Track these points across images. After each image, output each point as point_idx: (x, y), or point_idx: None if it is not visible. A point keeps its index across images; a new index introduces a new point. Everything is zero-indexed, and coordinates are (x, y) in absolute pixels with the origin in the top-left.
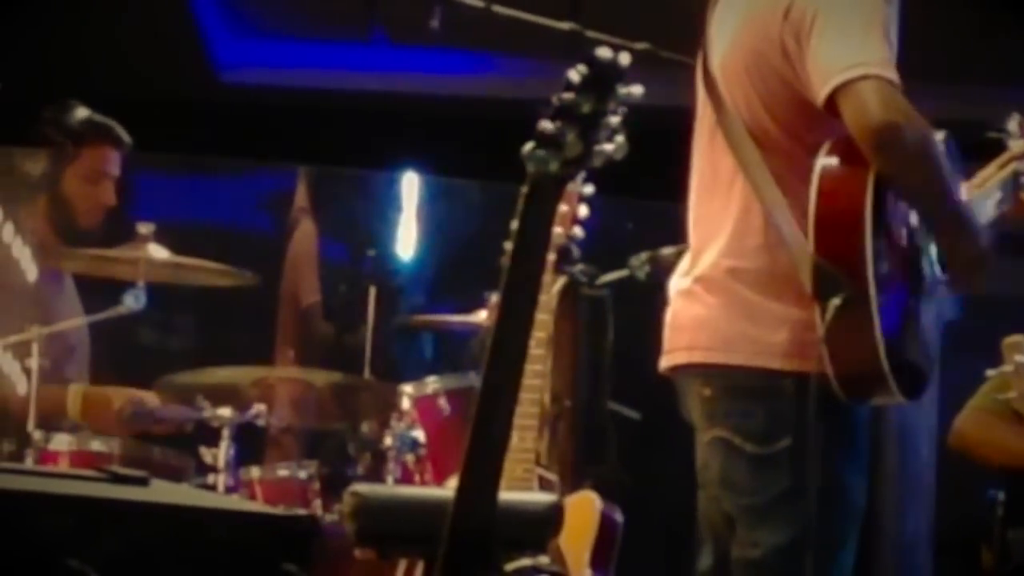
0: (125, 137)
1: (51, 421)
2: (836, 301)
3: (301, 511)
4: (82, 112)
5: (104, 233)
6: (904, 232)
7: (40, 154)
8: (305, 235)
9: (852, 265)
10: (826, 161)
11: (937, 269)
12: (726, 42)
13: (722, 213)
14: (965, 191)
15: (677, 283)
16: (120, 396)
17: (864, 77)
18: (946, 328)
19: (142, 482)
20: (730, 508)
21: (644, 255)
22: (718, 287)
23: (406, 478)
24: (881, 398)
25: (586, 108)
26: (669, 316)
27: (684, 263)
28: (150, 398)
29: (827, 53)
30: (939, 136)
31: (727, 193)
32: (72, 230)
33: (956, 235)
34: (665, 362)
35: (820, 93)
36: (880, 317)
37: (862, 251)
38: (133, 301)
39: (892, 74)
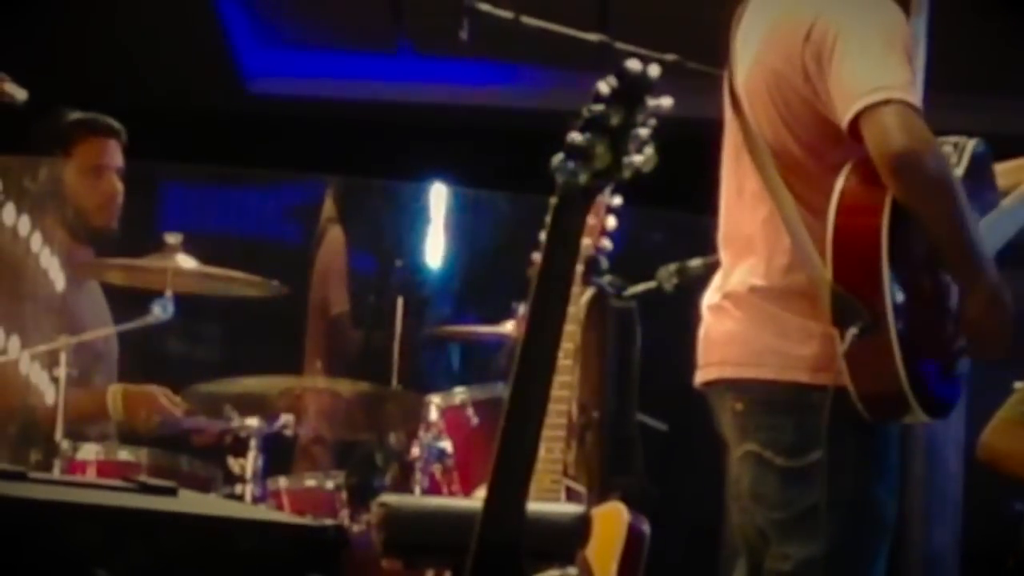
0: (115, 125)
1: (87, 425)
2: (854, 330)
3: (329, 521)
4: (70, 115)
5: (122, 230)
6: (929, 253)
7: (39, 166)
8: (333, 245)
9: (870, 292)
10: (845, 185)
11: None
12: (749, 61)
13: (751, 232)
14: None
15: (708, 298)
16: (160, 393)
17: (887, 101)
18: None
19: (170, 492)
20: (762, 522)
21: (672, 267)
22: (745, 303)
23: (433, 489)
24: (906, 418)
25: (615, 120)
26: (701, 332)
27: (716, 279)
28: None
29: (849, 77)
30: (972, 144)
31: (754, 212)
32: (89, 231)
33: (967, 274)
34: (699, 377)
35: (844, 118)
36: (901, 343)
37: (879, 278)
38: (161, 311)
39: (914, 98)
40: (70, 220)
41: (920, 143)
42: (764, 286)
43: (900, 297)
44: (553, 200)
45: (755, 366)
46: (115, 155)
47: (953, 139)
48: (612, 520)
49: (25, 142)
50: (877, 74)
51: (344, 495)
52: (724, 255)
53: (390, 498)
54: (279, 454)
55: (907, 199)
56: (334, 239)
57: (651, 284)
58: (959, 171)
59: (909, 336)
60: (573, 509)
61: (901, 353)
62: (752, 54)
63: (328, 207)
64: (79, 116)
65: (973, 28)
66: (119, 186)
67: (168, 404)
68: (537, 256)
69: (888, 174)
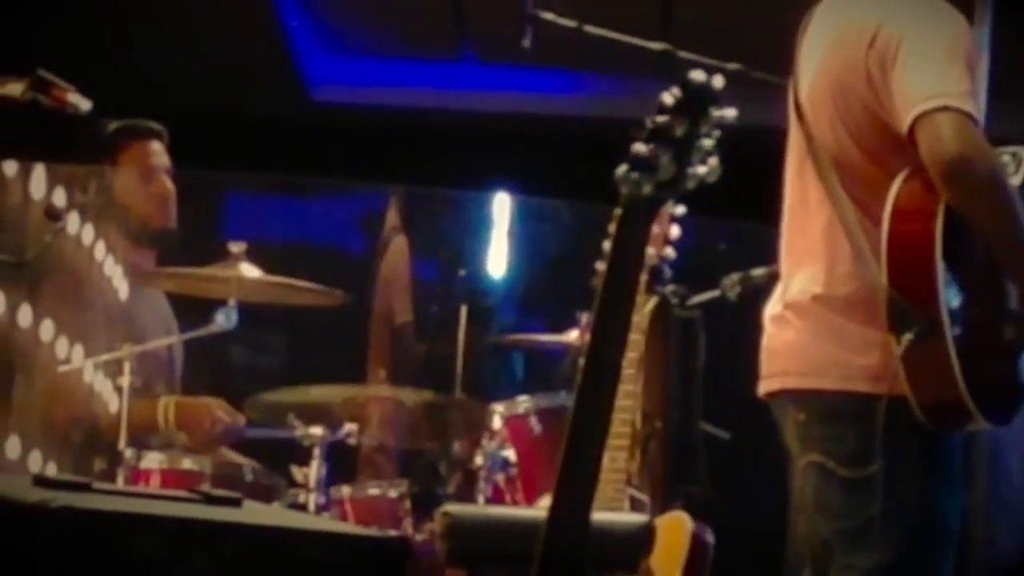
0: (156, 126)
1: (142, 436)
2: (909, 336)
3: (393, 532)
4: (111, 124)
5: (186, 239)
6: (985, 257)
7: (90, 176)
8: (398, 254)
9: (925, 298)
10: (900, 191)
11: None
12: (813, 70)
13: (812, 240)
14: None
15: (770, 309)
16: (215, 405)
17: (943, 108)
18: None
19: (234, 503)
20: (826, 532)
21: (736, 276)
22: (808, 313)
23: (497, 498)
24: (969, 426)
25: (680, 131)
26: (764, 342)
27: (777, 289)
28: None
29: (909, 84)
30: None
31: (816, 220)
32: (149, 235)
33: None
34: (762, 388)
35: (903, 123)
36: (958, 349)
37: (934, 284)
38: (225, 320)
39: (971, 107)
40: (129, 226)
41: (972, 150)
42: (826, 294)
43: (956, 302)
44: (617, 210)
45: (816, 376)
46: (161, 156)
47: (1012, 149)
48: (676, 529)
49: (72, 153)
50: (937, 82)
51: (407, 504)
52: (784, 263)
53: (453, 507)
54: (342, 463)
55: (959, 204)
56: (398, 248)
57: (715, 293)
58: (1016, 180)
59: (967, 341)
60: (637, 518)
61: (959, 358)
62: (816, 62)
63: (392, 216)
64: (120, 123)
65: None
66: (171, 186)
67: (224, 417)
68: (601, 266)
69: (940, 180)
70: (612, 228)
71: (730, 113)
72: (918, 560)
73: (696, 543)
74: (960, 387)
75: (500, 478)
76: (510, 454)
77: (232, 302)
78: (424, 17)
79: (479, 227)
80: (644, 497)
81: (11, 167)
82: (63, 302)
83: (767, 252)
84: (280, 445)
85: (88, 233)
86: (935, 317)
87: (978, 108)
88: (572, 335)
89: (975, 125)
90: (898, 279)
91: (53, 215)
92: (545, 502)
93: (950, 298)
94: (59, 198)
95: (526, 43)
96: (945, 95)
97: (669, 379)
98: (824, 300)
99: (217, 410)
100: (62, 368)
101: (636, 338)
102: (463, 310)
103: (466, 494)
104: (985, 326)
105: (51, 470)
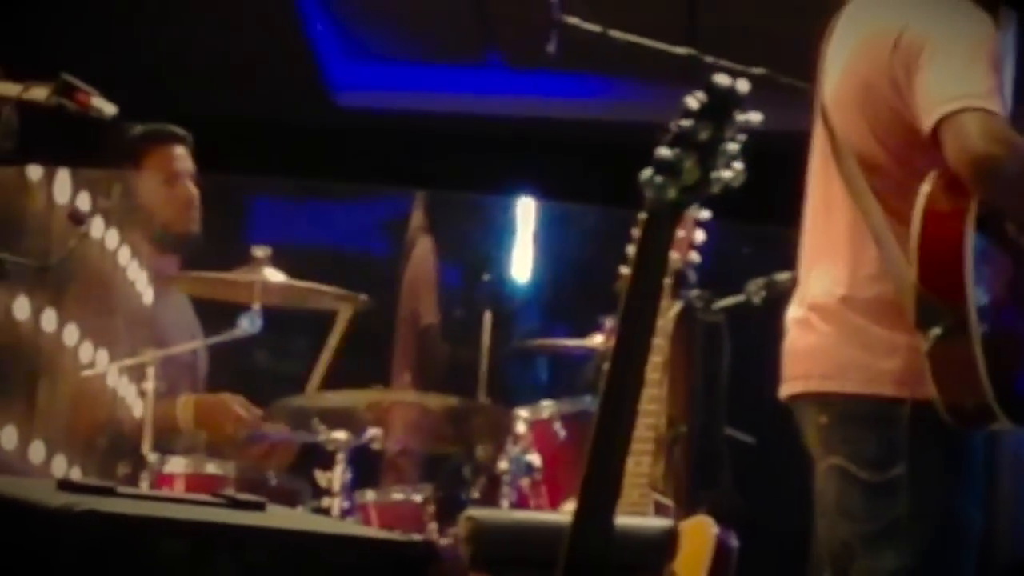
0: (180, 131)
1: (165, 438)
2: (936, 331)
3: (417, 536)
4: (135, 129)
5: (210, 243)
6: (1013, 257)
7: (113, 181)
8: (423, 255)
9: (953, 296)
10: (930, 190)
11: None
12: (838, 72)
13: (835, 241)
14: None
15: (792, 312)
16: (233, 400)
17: (965, 110)
18: None
19: (258, 507)
20: (847, 535)
21: (760, 280)
22: (832, 315)
23: (521, 502)
24: (992, 425)
25: (704, 135)
26: (786, 345)
27: (797, 292)
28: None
29: (932, 85)
30: None
31: (840, 221)
32: (172, 240)
33: None
34: (783, 391)
35: (925, 125)
36: (984, 347)
37: (963, 281)
38: (249, 324)
39: (995, 106)
40: (153, 231)
41: (999, 146)
42: (852, 296)
43: (984, 300)
44: (642, 215)
45: (839, 379)
46: (185, 161)
47: None
48: (700, 534)
49: (96, 158)
50: (959, 84)
51: (432, 508)
52: (802, 263)
53: (478, 512)
54: (367, 467)
55: (995, 201)
56: (424, 248)
57: (740, 298)
58: None
59: (994, 340)
60: (661, 523)
61: (985, 357)
62: (842, 64)
63: (417, 217)
64: (144, 128)
65: None
66: (194, 191)
67: (243, 412)
68: (625, 270)
69: (969, 179)
70: (636, 232)
71: (755, 117)
72: (940, 562)
73: (720, 547)
74: (985, 385)
75: (524, 483)
76: (534, 459)
77: (256, 306)
78: (449, 22)
79: (503, 232)
80: (668, 501)
81: (35, 171)
82: (87, 306)
83: (792, 257)
84: (304, 450)
85: (112, 237)
86: (963, 315)
87: (1004, 107)
88: (596, 340)
89: (1000, 121)
90: (928, 277)
91: (77, 219)
92: (569, 507)
93: (979, 296)
94: (83, 202)
95: (551, 48)
96: (966, 96)
97: (693, 384)
98: (850, 302)
99: (235, 405)
100: (86, 372)
101: (660, 343)
102: (487, 315)
103: (490, 499)
104: (1013, 326)
105: (75, 474)
